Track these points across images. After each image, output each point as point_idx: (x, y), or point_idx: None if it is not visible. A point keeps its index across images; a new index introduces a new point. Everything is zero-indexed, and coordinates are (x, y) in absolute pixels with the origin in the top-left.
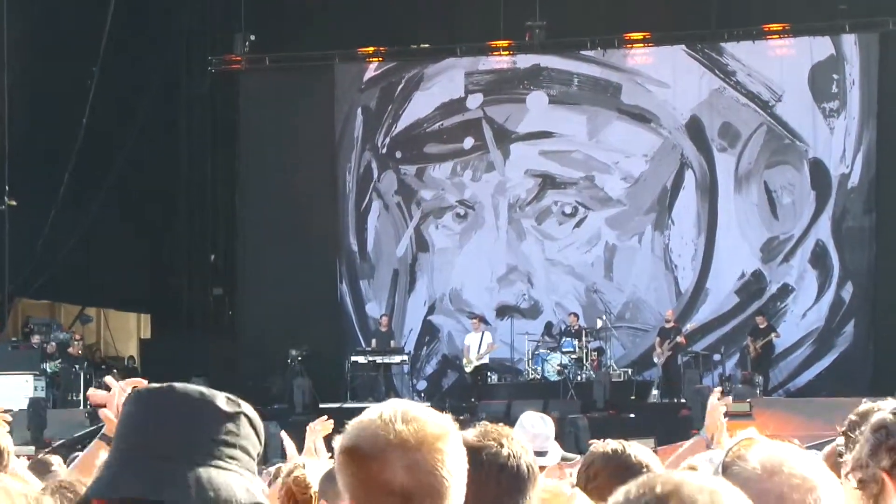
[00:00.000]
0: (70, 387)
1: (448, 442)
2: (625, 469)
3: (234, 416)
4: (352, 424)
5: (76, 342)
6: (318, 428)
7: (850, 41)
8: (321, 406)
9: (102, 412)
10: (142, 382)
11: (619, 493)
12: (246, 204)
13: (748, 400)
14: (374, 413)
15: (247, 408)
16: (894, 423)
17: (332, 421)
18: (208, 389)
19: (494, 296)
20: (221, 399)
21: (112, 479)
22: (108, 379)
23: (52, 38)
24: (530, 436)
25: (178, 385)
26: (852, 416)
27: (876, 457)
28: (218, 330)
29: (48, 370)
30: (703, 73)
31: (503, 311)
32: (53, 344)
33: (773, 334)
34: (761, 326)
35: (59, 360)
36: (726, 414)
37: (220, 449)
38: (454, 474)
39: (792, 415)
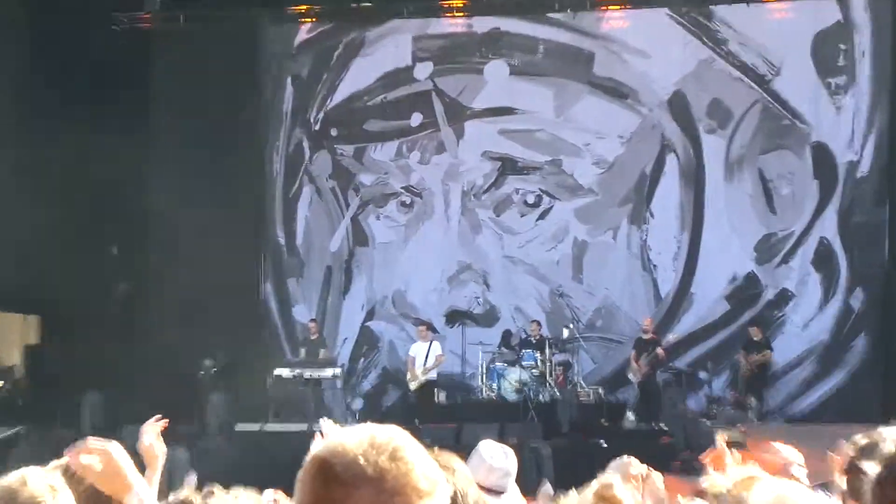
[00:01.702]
0: None
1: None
2: None
3: None
4: (340, 433)
5: None
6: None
7: (860, 5)
8: (238, 428)
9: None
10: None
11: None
12: (155, 189)
13: (741, 427)
14: (368, 433)
15: None
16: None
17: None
18: None
19: (444, 298)
20: None
21: None
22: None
23: None
24: (487, 468)
25: None
26: (850, 452)
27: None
28: (118, 335)
29: None
30: (688, 41)
31: (453, 317)
32: None
33: (766, 351)
34: (756, 339)
35: None
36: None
37: None
38: None
39: (792, 445)
